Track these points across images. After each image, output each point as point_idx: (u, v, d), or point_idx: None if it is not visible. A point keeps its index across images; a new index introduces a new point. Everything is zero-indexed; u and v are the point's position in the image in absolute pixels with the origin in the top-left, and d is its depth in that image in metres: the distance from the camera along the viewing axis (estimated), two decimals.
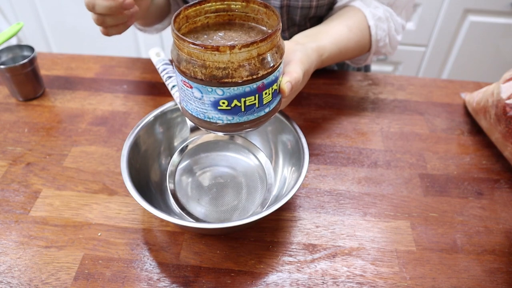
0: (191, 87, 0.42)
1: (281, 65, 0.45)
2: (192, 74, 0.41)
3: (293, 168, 0.54)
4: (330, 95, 0.75)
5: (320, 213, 0.56)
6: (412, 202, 0.58)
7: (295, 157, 0.54)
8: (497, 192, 0.59)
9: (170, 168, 0.54)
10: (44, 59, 0.83)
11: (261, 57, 0.41)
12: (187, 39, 0.40)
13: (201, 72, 0.41)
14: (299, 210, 0.56)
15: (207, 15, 0.47)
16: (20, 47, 0.73)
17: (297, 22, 0.75)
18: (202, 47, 0.39)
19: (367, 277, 0.49)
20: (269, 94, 0.44)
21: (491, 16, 1.37)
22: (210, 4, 0.46)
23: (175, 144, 0.61)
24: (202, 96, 0.42)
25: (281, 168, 0.57)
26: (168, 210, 0.54)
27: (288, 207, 0.56)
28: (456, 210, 0.57)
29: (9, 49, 0.72)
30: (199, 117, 0.45)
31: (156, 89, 0.76)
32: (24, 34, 1.63)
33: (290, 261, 0.51)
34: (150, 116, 0.57)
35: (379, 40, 0.69)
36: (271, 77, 0.43)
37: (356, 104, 0.74)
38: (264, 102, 0.44)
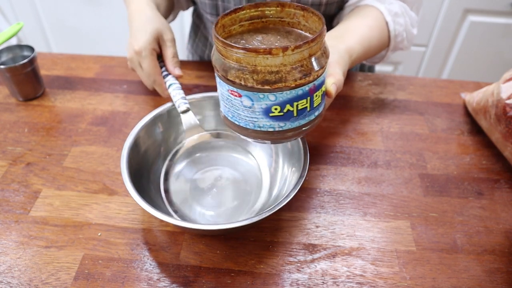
0: (240, 96, 0.41)
1: (326, 67, 0.44)
2: (242, 81, 0.39)
3: (293, 168, 0.54)
4: None
5: (320, 213, 0.56)
6: (412, 202, 0.58)
7: (295, 157, 0.54)
8: (497, 192, 0.59)
9: (169, 169, 0.54)
10: (44, 59, 0.83)
11: (311, 58, 0.40)
12: (236, 45, 0.38)
13: (253, 79, 0.39)
14: (299, 210, 0.56)
15: (241, 23, 0.46)
16: (20, 47, 0.72)
17: None
18: (253, 52, 0.38)
19: (367, 277, 0.49)
20: (318, 96, 0.43)
21: (491, 16, 1.37)
22: (244, 11, 0.45)
23: (175, 144, 0.61)
24: (253, 104, 0.41)
25: (281, 168, 0.57)
26: (168, 210, 0.54)
27: (288, 207, 0.56)
28: (456, 210, 0.57)
29: (9, 49, 0.72)
30: (248, 127, 0.43)
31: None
32: (24, 34, 1.63)
33: (290, 261, 0.51)
34: (150, 116, 0.57)
35: (397, 35, 0.69)
36: (321, 78, 0.42)
37: (356, 104, 0.74)
38: (315, 105, 0.43)
